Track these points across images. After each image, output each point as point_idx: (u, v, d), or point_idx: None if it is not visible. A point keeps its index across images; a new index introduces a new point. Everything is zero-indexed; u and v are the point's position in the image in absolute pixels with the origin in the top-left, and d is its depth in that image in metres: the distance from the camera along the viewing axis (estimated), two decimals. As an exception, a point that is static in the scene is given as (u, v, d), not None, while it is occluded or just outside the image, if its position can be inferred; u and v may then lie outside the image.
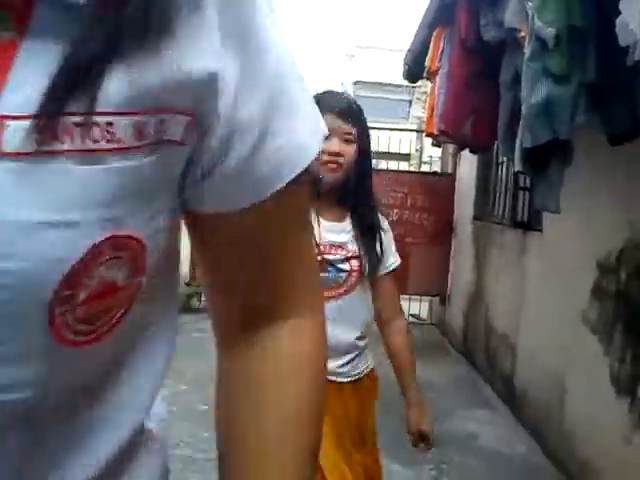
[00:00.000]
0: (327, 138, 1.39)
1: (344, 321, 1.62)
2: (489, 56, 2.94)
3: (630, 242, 2.71)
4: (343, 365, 1.66)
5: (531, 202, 4.08)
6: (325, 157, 1.58)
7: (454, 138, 3.99)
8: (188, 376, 4.50)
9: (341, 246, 1.67)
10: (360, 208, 1.69)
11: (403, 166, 9.96)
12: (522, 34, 2.32)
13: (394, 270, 1.78)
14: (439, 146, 6.02)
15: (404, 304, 6.90)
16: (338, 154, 1.60)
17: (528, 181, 4.17)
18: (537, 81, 2.08)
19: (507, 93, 2.63)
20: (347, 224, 1.69)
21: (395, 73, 5.81)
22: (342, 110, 1.61)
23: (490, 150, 4.50)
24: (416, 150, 10.61)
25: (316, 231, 1.56)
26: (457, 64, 3.31)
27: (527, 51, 2.16)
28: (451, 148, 6.20)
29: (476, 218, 5.61)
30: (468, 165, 5.94)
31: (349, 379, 1.68)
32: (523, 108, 2.15)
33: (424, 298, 7.21)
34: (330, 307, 1.52)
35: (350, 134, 1.62)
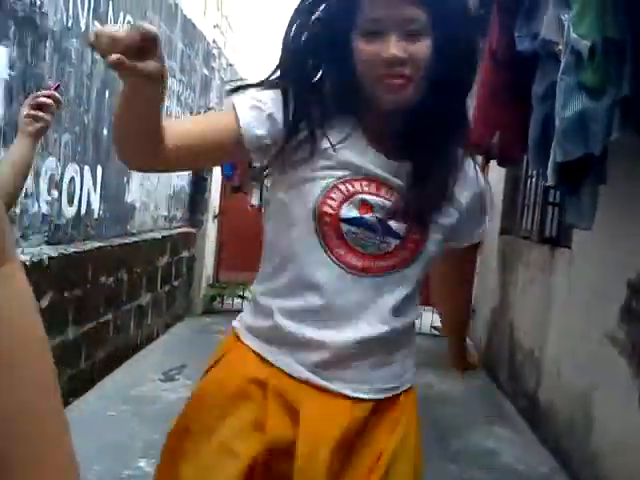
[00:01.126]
0: (377, 36, 0.99)
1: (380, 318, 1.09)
2: (519, 69, 2.89)
3: (662, 262, 2.64)
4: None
5: (560, 217, 4.00)
6: (383, 69, 1.00)
7: (482, 150, 3.94)
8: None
9: (393, 189, 1.08)
10: (435, 148, 1.08)
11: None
12: (559, 47, 2.28)
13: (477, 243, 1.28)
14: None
15: (427, 315, 6.85)
16: (400, 61, 0.99)
17: (558, 196, 4.10)
18: (571, 95, 2.03)
19: (539, 106, 2.58)
20: (407, 166, 1.09)
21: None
22: None
23: (519, 163, 4.43)
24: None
25: (360, 161, 1.07)
26: (486, 76, 3.28)
27: (562, 64, 2.12)
28: (479, 160, 6.13)
29: (503, 232, 5.54)
30: (496, 178, 5.86)
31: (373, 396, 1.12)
32: (556, 122, 2.10)
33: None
34: (362, 286, 1.07)
35: (415, 22, 0.98)
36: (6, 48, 2.83)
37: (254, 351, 1.13)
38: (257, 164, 1.10)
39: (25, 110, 1.63)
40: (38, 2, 3.07)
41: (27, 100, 1.63)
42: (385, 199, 1.07)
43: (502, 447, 3.73)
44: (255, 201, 6.23)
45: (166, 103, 5.36)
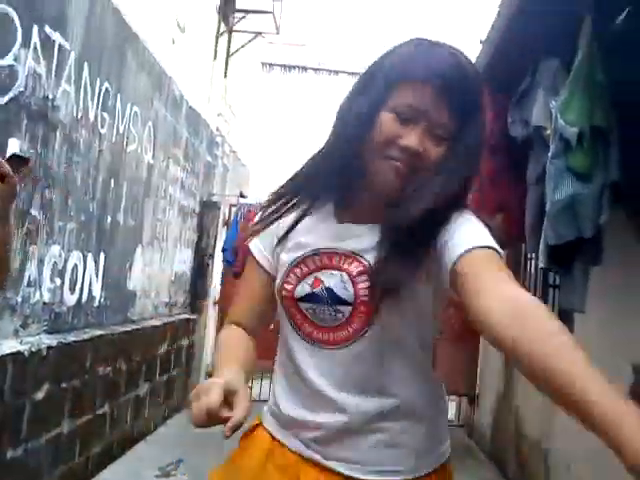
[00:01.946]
0: (407, 122, 0.99)
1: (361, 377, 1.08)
2: (514, 153, 2.98)
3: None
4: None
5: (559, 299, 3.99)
6: (395, 151, 1.00)
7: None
8: (206, 476, 4.33)
9: (357, 257, 1.06)
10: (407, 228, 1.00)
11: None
12: (548, 132, 2.36)
13: (489, 248, 0.96)
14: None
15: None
16: (414, 153, 0.99)
17: (557, 278, 4.11)
18: (561, 179, 2.09)
19: (534, 189, 2.64)
20: (376, 228, 1.06)
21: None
22: (446, 84, 0.97)
23: (518, 246, 4.47)
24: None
25: (316, 238, 1.10)
26: (483, 160, 3.38)
27: (551, 149, 2.19)
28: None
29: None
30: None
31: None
32: (547, 205, 2.15)
33: (451, 398, 6.96)
34: (330, 361, 1.08)
35: (444, 127, 1.00)
36: (18, 140, 2.93)
37: (267, 429, 1.19)
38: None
39: None
40: (51, 96, 3.20)
41: None
42: (338, 268, 1.07)
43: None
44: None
45: (170, 190, 5.48)
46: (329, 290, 1.06)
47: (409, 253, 0.99)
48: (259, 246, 1.18)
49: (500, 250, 0.96)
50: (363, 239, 1.06)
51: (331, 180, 1.10)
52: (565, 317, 3.91)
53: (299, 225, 1.13)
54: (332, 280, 1.06)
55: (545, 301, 4.51)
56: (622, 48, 2.08)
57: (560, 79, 2.37)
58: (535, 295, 4.78)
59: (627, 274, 2.99)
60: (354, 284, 1.04)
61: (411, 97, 0.99)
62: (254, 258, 1.18)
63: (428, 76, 0.97)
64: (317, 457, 1.08)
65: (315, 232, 1.11)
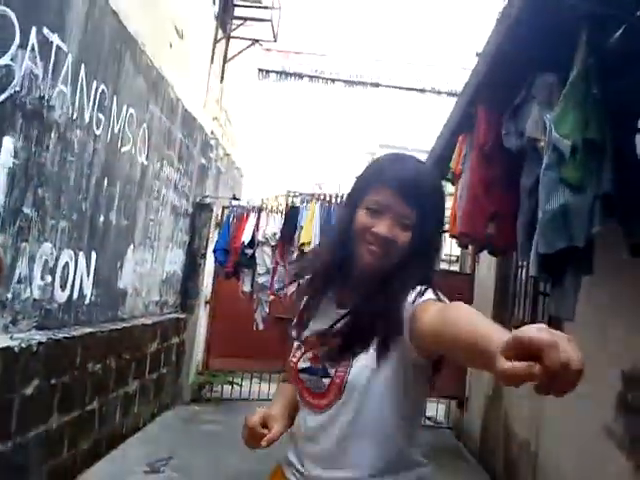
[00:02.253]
0: (377, 214, 1.27)
1: (339, 435, 1.29)
2: (508, 163, 3.02)
3: (653, 353, 2.65)
4: None
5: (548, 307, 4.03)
6: (369, 237, 1.27)
7: (473, 240, 4.02)
8: (196, 472, 4.35)
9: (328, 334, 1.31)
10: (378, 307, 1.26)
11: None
12: (542, 144, 2.39)
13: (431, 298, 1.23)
14: (466, 247, 6.04)
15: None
16: (386, 239, 1.26)
17: (548, 286, 4.14)
18: (553, 190, 2.12)
19: (527, 199, 2.67)
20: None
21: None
22: (401, 187, 1.27)
23: (510, 254, 4.51)
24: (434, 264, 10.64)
25: (320, 323, 1.35)
26: (475, 170, 3.40)
27: (544, 161, 2.22)
28: (471, 248, 6.23)
29: (495, 321, 5.53)
30: (487, 266, 5.94)
31: None
32: (539, 215, 2.18)
33: (441, 400, 7.00)
34: (315, 417, 1.32)
35: (407, 218, 1.26)
36: (12, 138, 2.94)
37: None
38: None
39: None
40: (47, 96, 3.21)
41: None
42: (329, 345, 1.30)
43: None
44: (247, 288, 6.24)
45: (163, 191, 5.49)
46: (322, 364, 1.31)
47: (359, 331, 1.28)
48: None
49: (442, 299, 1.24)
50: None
51: (332, 271, 1.38)
52: (555, 325, 3.95)
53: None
54: (326, 355, 1.31)
55: (535, 308, 4.56)
56: (618, 64, 2.12)
57: (556, 94, 2.40)
58: (525, 303, 4.84)
59: (617, 284, 3.03)
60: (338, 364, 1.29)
61: (378, 196, 1.28)
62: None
63: (390, 181, 1.27)
64: None
65: (319, 316, 1.39)
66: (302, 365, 1.34)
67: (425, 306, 1.17)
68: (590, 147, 2.09)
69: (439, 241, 1.43)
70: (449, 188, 5.79)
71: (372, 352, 1.23)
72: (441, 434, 6.44)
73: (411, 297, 1.22)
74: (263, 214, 6.03)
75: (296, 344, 1.39)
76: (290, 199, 6.14)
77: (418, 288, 1.24)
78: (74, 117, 3.58)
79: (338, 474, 1.26)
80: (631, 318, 2.87)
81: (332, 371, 1.27)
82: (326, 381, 1.28)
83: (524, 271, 4.99)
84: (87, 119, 3.76)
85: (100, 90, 3.89)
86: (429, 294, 1.22)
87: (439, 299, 1.22)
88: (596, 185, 2.08)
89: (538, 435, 4.01)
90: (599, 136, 2.10)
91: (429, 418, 6.88)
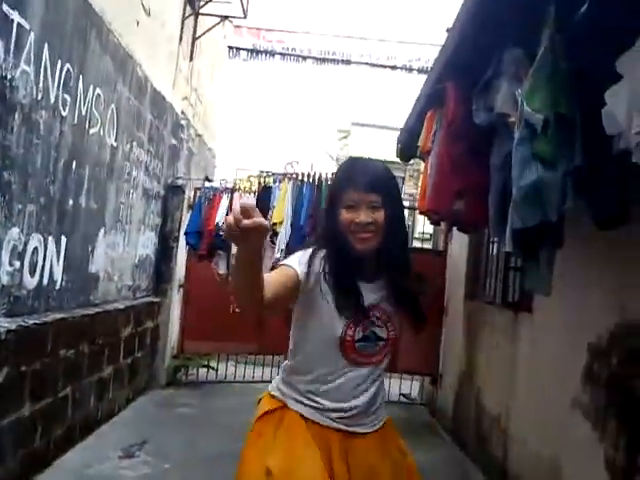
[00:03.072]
0: (354, 208, 1.72)
1: (371, 388, 1.84)
2: (476, 139, 3.03)
3: (621, 326, 2.71)
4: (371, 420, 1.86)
5: (522, 283, 4.09)
6: (355, 228, 1.71)
7: (442, 217, 4.05)
8: (171, 455, 4.34)
9: (379, 306, 1.80)
10: (393, 271, 1.79)
11: (395, 243, 10.02)
12: (512, 119, 2.40)
13: None
14: (438, 224, 6.07)
15: (395, 383, 6.79)
16: (368, 224, 1.71)
17: (519, 261, 4.20)
18: (526, 165, 2.13)
19: (497, 175, 2.69)
20: (380, 282, 1.81)
21: (389, 150, 5.96)
22: (366, 184, 1.73)
23: (481, 230, 4.55)
24: (407, 226, 10.69)
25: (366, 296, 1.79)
26: (444, 146, 3.41)
27: (516, 136, 2.23)
28: (444, 226, 6.27)
29: (468, 297, 5.61)
30: (459, 244, 6.00)
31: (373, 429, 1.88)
32: (513, 191, 2.19)
33: (415, 377, 7.09)
34: (362, 373, 1.82)
35: (375, 201, 1.72)
36: (-27, 120, 2.85)
37: (302, 415, 1.82)
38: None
39: None
40: (9, 76, 3.12)
41: None
42: (376, 317, 1.80)
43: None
44: (222, 270, 6.20)
45: (134, 173, 5.40)
46: (374, 332, 1.80)
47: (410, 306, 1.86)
48: (301, 267, 1.73)
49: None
50: (376, 293, 1.81)
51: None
52: (525, 299, 4.02)
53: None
54: (373, 325, 1.80)
55: (506, 284, 4.62)
56: (584, 38, 2.13)
57: (524, 69, 2.41)
58: (497, 279, 4.90)
59: (586, 260, 3.09)
60: (386, 326, 1.82)
61: (351, 195, 1.73)
62: (295, 271, 1.71)
63: (357, 181, 1.74)
64: (342, 427, 1.81)
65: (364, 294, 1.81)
66: (358, 336, 1.77)
67: None
68: (561, 122, 2.10)
69: (403, 212, 1.92)
70: (420, 165, 5.78)
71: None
72: (415, 410, 6.54)
73: None
74: (236, 195, 5.98)
75: (343, 322, 1.76)
76: (263, 179, 6.10)
77: None
78: (39, 98, 3.48)
79: (356, 402, 1.81)
80: (600, 291, 2.93)
81: (384, 334, 1.80)
82: (381, 343, 1.81)
83: (495, 247, 5.05)
84: (52, 100, 3.66)
85: (65, 70, 3.79)
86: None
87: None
88: (568, 159, 2.10)
89: (508, 410, 4.09)
90: (569, 111, 2.11)
91: (403, 395, 6.97)
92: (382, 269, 1.78)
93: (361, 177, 1.74)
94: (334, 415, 1.81)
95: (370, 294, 1.77)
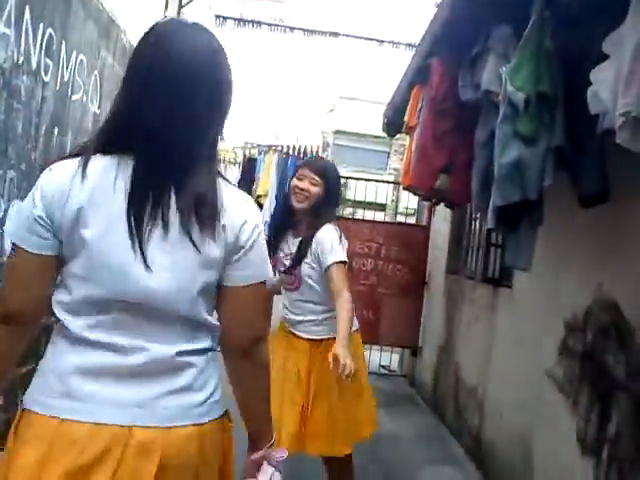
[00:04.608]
0: (301, 179, 2.67)
1: (301, 300, 2.72)
2: (461, 116, 3.04)
3: (596, 303, 2.77)
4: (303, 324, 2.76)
5: (502, 258, 4.15)
6: (297, 190, 2.66)
7: (423, 193, 4.08)
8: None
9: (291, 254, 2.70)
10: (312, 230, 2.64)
11: (379, 216, 10.06)
12: (498, 97, 2.42)
13: (335, 263, 2.60)
14: (427, 200, 6.09)
15: (375, 355, 6.84)
16: (303, 190, 2.65)
17: (500, 238, 4.26)
18: (508, 143, 2.16)
19: (481, 152, 2.71)
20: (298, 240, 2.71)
21: (375, 125, 5.95)
22: (313, 166, 2.72)
23: (463, 206, 4.59)
24: (392, 201, 10.72)
25: (289, 244, 2.77)
26: (428, 122, 3.42)
27: (500, 114, 2.24)
28: (427, 203, 6.30)
29: (449, 272, 5.68)
30: (442, 219, 6.04)
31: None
32: (495, 168, 2.22)
33: (395, 349, 7.19)
34: (291, 294, 2.76)
35: (315, 180, 2.65)
36: (-48, 84, 2.80)
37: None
38: None
39: None
40: (-12, 39, 3.05)
41: None
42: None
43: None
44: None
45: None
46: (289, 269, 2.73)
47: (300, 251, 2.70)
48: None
49: (344, 259, 2.64)
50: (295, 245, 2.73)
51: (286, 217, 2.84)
52: (505, 275, 4.09)
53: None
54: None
55: (487, 259, 4.69)
56: (572, 16, 2.14)
57: (512, 46, 2.41)
58: (478, 254, 4.96)
59: (564, 237, 3.14)
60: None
61: (301, 171, 2.71)
62: None
63: (306, 163, 2.81)
64: (295, 332, 2.77)
65: (285, 243, 2.82)
66: (281, 270, 2.73)
67: (330, 274, 2.60)
68: (542, 101, 2.12)
69: (338, 194, 2.84)
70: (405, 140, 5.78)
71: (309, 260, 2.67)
72: (395, 382, 6.65)
73: (328, 243, 2.62)
74: (221, 166, 5.95)
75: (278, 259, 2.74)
76: (248, 151, 6.07)
77: (328, 236, 2.63)
78: (20, 62, 3.42)
79: (299, 317, 2.76)
80: (578, 269, 2.99)
81: (295, 272, 2.69)
82: (292, 277, 2.71)
83: (477, 223, 5.10)
84: (34, 65, 3.59)
85: (47, 34, 3.72)
86: (336, 252, 2.61)
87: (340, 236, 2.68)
88: (548, 138, 2.13)
89: (485, 382, 4.18)
90: (551, 89, 2.13)
91: (383, 366, 7.07)
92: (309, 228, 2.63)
93: (313, 164, 2.76)
94: (289, 323, 2.87)
95: (292, 246, 2.69)
